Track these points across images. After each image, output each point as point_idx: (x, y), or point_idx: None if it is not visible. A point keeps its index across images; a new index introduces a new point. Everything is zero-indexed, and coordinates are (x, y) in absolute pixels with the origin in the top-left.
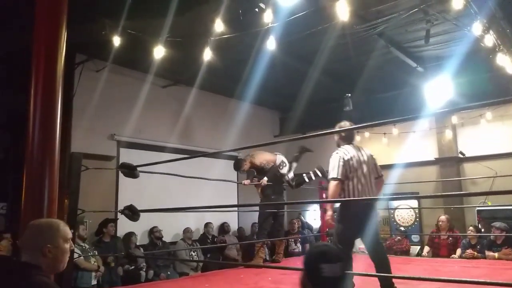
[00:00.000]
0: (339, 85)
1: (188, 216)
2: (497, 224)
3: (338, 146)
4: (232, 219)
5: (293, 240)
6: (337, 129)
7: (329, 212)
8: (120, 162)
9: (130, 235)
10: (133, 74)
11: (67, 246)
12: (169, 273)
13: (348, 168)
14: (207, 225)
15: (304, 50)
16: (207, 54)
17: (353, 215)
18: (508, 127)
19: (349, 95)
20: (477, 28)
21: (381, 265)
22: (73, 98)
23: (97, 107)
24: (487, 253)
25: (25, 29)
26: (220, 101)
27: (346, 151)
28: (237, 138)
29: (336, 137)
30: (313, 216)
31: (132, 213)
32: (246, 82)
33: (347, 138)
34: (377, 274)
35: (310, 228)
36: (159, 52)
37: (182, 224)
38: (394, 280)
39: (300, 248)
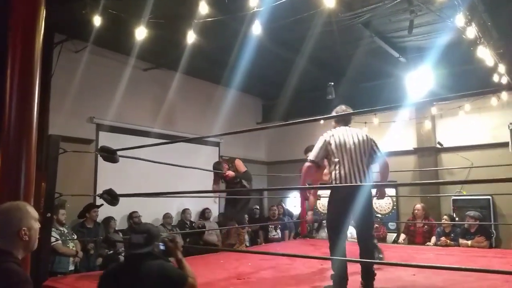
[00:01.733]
0: (323, 73)
1: (169, 202)
2: (471, 213)
3: (334, 128)
4: (213, 205)
5: (273, 226)
6: (333, 114)
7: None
8: (100, 146)
9: (109, 219)
10: (114, 56)
11: (38, 225)
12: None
13: (332, 151)
14: (184, 211)
15: (290, 37)
16: (191, 37)
17: (336, 200)
18: (485, 119)
19: (332, 83)
20: (459, 19)
21: (365, 251)
22: (51, 79)
23: (76, 89)
24: (461, 241)
25: (1, 6)
26: (203, 86)
27: (333, 134)
28: (220, 124)
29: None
30: (293, 203)
31: (111, 197)
32: (230, 68)
33: (341, 120)
34: (359, 259)
35: (290, 215)
36: (141, 33)
37: (162, 210)
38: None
39: (280, 234)
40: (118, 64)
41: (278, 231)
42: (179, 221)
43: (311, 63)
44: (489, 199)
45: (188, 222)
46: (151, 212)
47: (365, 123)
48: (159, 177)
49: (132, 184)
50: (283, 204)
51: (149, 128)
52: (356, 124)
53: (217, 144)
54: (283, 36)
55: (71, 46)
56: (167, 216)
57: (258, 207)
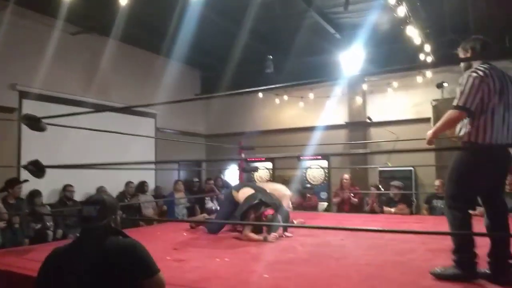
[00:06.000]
0: (262, 46)
1: (103, 175)
2: (396, 183)
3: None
4: (149, 179)
5: (209, 198)
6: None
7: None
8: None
9: (34, 193)
10: (38, 17)
11: None
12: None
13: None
14: (127, 184)
15: (231, 7)
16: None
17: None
18: (411, 96)
19: (271, 57)
20: None
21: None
22: None
23: None
24: (385, 208)
25: None
26: (140, 55)
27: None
28: (157, 95)
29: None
30: (231, 174)
31: (37, 169)
32: (168, 37)
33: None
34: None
35: (228, 186)
36: None
37: (95, 183)
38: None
39: (217, 206)
40: (43, 27)
41: (215, 202)
42: (119, 194)
43: (251, 35)
44: (411, 170)
45: (129, 197)
46: (83, 186)
47: (301, 97)
48: (94, 151)
49: (64, 157)
50: (222, 176)
51: (81, 98)
52: (293, 98)
53: (153, 116)
54: (224, 6)
55: None
56: (101, 190)
57: (198, 180)
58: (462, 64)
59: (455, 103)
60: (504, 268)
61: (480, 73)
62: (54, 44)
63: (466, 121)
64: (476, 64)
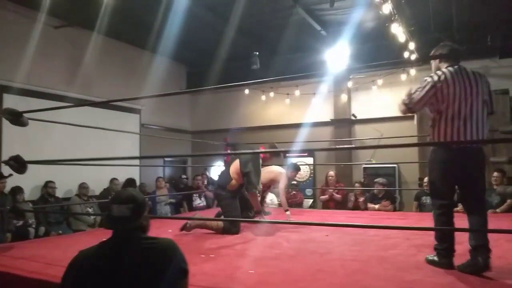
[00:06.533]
0: (249, 42)
1: (86, 171)
2: (380, 179)
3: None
4: (134, 176)
5: (197, 195)
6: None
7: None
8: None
9: (16, 190)
10: (21, 10)
11: None
12: (60, 232)
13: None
14: (112, 181)
15: (216, 1)
16: None
17: None
18: (395, 94)
19: (257, 53)
20: None
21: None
22: None
23: None
24: (369, 205)
25: None
26: (125, 50)
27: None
28: (141, 91)
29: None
30: (217, 172)
31: (19, 164)
32: (153, 31)
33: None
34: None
35: (213, 183)
36: None
37: (78, 180)
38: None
39: (205, 202)
40: (25, 19)
41: (203, 199)
42: (104, 190)
43: (238, 31)
44: (395, 167)
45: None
46: (64, 183)
47: (288, 94)
48: (77, 147)
49: (46, 153)
50: (207, 173)
51: (65, 93)
52: (279, 95)
53: (138, 112)
54: (211, 1)
55: None
56: (82, 186)
57: (186, 177)
58: (432, 67)
59: (405, 100)
60: (483, 257)
61: (435, 78)
62: (37, 38)
63: (433, 122)
64: (443, 67)
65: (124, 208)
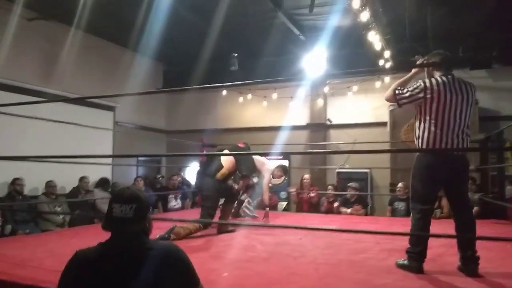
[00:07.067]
0: (229, 44)
1: (56, 168)
2: (352, 184)
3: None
4: (106, 175)
5: (173, 196)
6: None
7: None
8: None
9: None
10: None
11: None
12: (28, 231)
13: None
14: (81, 179)
15: (198, 2)
16: None
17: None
18: (370, 100)
19: (236, 54)
20: (355, 2)
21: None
22: None
23: None
24: (342, 209)
25: None
26: (101, 46)
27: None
28: (117, 87)
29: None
30: (191, 173)
31: None
32: (131, 28)
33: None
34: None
35: (188, 184)
36: None
37: (47, 177)
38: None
39: (180, 204)
40: None
41: (179, 200)
42: (73, 189)
43: (219, 32)
44: (367, 172)
45: (84, 192)
46: (31, 180)
47: (265, 97)
48: (49, 144)
49: (16, 149)
50: (182, 174)
51: (39, 88)
52: (256, 97)
53: (112, 109)
54: (193, 1)
55: None
56: (49, 185)
57: (162, 176)
58: (425, 74)
59: (397, 91)
60: (469, 261)
61: (427, 84)
62: (10, 30)
63: (416, 128)
64: (436, 75)
65: (127, 209)
